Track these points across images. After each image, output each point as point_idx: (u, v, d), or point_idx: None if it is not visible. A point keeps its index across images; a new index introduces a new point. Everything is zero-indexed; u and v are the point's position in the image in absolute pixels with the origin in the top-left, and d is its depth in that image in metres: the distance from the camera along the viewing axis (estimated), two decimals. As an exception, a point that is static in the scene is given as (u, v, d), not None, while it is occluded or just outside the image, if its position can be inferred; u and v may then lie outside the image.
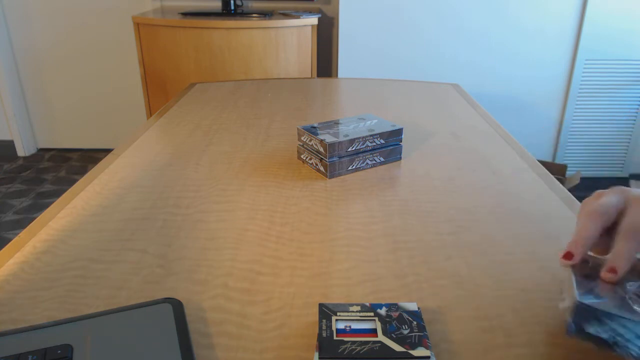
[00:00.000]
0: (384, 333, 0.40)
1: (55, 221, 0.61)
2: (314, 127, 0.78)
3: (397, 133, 0.78)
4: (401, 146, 0.80)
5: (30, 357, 0.38)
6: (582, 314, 0.37)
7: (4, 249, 0.55)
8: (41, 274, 0.51)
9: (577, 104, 2.31)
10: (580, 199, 0.50)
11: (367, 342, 0.39)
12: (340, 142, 0.72)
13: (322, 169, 0.74)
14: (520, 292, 0.49)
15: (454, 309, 0.46)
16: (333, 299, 0.48)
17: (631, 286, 0.39)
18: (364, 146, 0.75)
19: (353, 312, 0.42)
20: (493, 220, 0.62)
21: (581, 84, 2.28)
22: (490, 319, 0.45)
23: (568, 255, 0.41)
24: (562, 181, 2.15)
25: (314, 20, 2.23)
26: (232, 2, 2.40)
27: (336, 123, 0.80)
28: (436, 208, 0.65)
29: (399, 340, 0.39)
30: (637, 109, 2.32)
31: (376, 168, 0.78)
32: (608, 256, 0.40)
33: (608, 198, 0.43)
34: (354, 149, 0.74)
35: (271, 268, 0.52)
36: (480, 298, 0.48)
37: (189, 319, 0.45)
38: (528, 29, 2.19)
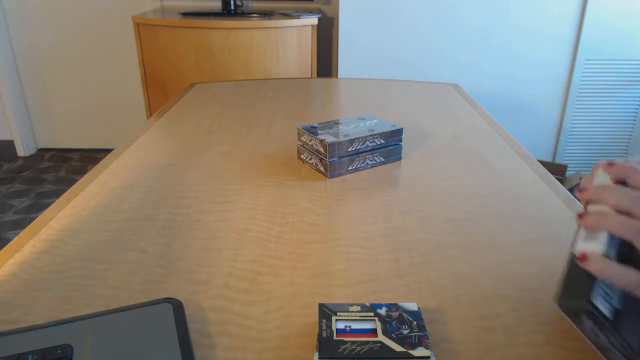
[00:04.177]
0: (384, 333, 0.40)
1: (55, 221, 0.61)
2: (314, 127, 0.78)
3: (397, 133, 0.78)
4: (401, 146, 0.79)
5: (30, 357, 0.38)
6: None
7: (4, 249, 0.55)
8: (41, 274, 0.51)
9: (577, 104, 2.31)
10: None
11: (367, 342, 0.39)
12: (340, 142, 0.72)
13: (322, 169, 0.74)
14: (520, 292, 0.49)
15: (454, 309, 0.46)
16: (333, 299, 0.48)
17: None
18: (364, 146, 0.75)
19: (353, 312, 0.42)
20: (493, 220, 0.62)
21: (581, 84, 2.27)
22: (490, 319, 0.45)
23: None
24: (562, 181, 2.15)
25: (314, 20, 2.23)
26: (232, 2, 2.40)
27: (336, 123, 0.80)
28: (436, 208, 0.65)
29: (399, 340, 0.39)
30: (637, 109, 2.32)
31: (376, 168, 0.78)
32: None
33: None
34: (354, 149, 0.74)
35: (271, 268, 0.52)
36: (480, 298, 0.48)
37: (189, 319, 0.45)
38: (528, 29, 2.19)
